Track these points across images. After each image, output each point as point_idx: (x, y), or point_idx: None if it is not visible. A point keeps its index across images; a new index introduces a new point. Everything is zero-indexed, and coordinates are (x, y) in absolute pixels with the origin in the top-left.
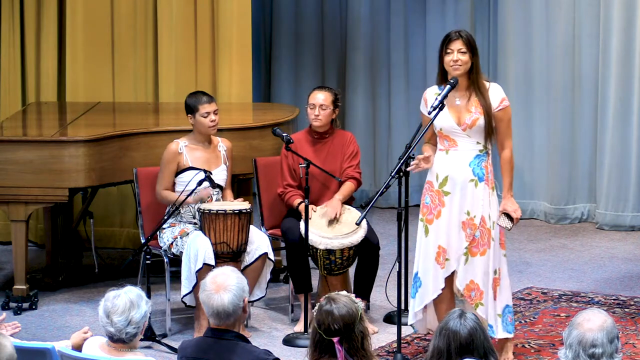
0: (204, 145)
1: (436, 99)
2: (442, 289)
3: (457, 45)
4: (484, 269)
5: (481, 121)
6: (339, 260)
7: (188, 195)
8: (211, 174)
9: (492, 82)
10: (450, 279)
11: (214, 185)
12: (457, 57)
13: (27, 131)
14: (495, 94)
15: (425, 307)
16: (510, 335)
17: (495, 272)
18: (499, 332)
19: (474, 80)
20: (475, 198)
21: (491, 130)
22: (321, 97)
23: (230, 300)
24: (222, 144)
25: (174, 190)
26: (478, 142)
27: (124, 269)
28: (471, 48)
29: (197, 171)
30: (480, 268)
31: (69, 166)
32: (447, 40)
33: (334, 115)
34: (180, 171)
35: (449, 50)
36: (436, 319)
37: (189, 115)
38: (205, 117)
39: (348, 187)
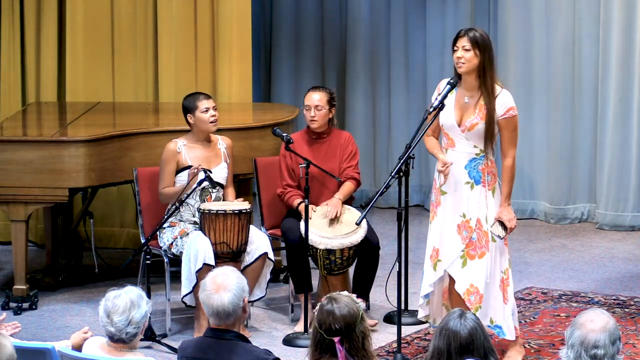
0: (203, 144)
1: (436, 98)
2: (434, 286)
3: (462, 42)
4: (484, 272)
5: (480, 126)
6: (339, 260)
7: (181, 203)
8: (210, 172)
9: (504, 89)
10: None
11: (213, 184)
12: (460, 55)
13: (27, 131)
14: (503, 101)
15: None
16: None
17: (503, 272)
18: (511, 333)
19: (483, 82)
20: (470, 200)
21: (491, 136)
22: (316, 98)
23: (230, 300)
24: (221, 142)
25: None
26: (475, 146)
27: (124, 269)
28: (478, 47)
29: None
30: (481, 271)
31: (69, 166)
32: (456, 37)
33: (331, 115)
34: (179, 170)
35: (455, 47)
36: (440, 310)
37: (188, 115)
38: (205, 113)
39: (348, 187)
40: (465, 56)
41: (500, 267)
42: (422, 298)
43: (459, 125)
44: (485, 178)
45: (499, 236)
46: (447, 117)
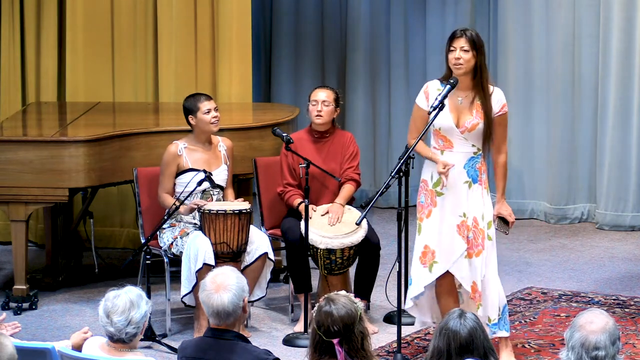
0: (204, 146)
1: (436, 98)
2: (425, 289)
3: (460, 43)
4: (480, 270)
5: (481, 126)
6: (340, 260)
7: (181, 203)
8: (211, 174)
9: (496, 87)
10: (449, 275)
11: (214, 185)
12: (458, 55)
13: (27, 131)
14: (498, 99)
15: (417, 303)
16: (507, 334)
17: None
18: (499, 331)
19: (478, 81)
20: (470, 199)
21: (490, 135)
22: (323, 94)
23: (230, 299)
24: (222, 144)
25: (174, 192)
26: (473, 145)
27: (124, 269)
28: (475, 47)
29: (196, 172)
30: (478, 269)
31: (69, 166)
32: (451, 37)
33: (336, 114)
34: (180, 172)
35: (452, 48)
36: (430, 313)
37: (190, 116)
38: (207, 114)
39: (348, 189)
40: (464, 57)
41: (493, 264)
42: (412, 300)
43: (458, 127)
44: (482, 176)
45: (504, 232)
46: (445, 120)
